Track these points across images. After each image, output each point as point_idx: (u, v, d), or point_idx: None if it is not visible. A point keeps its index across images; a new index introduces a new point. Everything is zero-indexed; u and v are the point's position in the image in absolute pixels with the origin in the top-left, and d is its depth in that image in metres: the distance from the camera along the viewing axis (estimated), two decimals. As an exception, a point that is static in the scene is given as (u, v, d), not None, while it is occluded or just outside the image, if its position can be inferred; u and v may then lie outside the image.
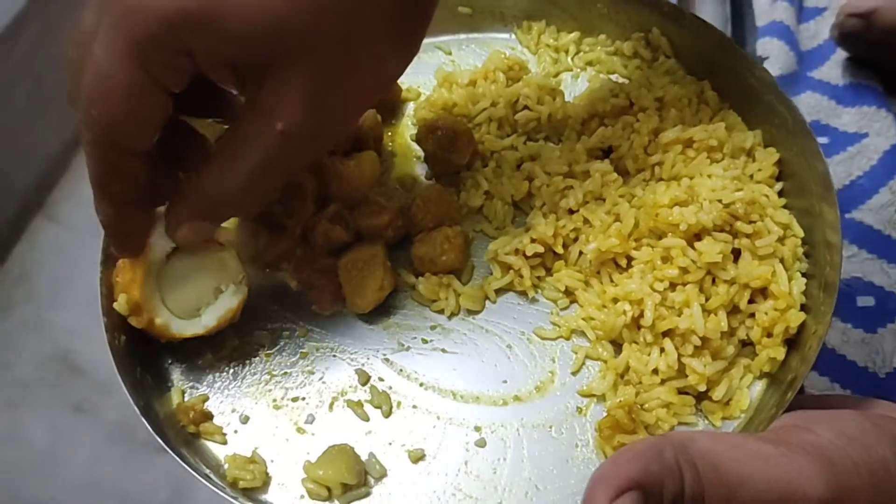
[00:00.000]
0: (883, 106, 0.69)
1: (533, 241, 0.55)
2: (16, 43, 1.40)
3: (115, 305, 0.50)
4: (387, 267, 0.55)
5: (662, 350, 0.51)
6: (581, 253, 0.55)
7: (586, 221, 0.55)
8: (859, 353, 0.59)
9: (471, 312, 0.55)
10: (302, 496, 0.49)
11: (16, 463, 1.13)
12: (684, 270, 0.51)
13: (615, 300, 0.53)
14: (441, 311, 0.55)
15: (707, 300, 0.51)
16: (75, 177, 1.51)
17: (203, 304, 0.52)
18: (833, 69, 0.73)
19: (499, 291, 0.56)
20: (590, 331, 0.53)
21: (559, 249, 0.55)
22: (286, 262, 0.58)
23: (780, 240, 0.52)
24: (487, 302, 0.56)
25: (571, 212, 0.56)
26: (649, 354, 0.51)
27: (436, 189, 0.58)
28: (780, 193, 0.56)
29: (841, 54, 0.74)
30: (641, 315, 0.51)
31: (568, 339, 0.54)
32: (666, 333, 0.51)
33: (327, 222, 0.56)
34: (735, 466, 0.39)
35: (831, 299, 0.49)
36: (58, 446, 1.18)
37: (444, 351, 0.54)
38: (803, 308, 0.51)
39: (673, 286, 0.52)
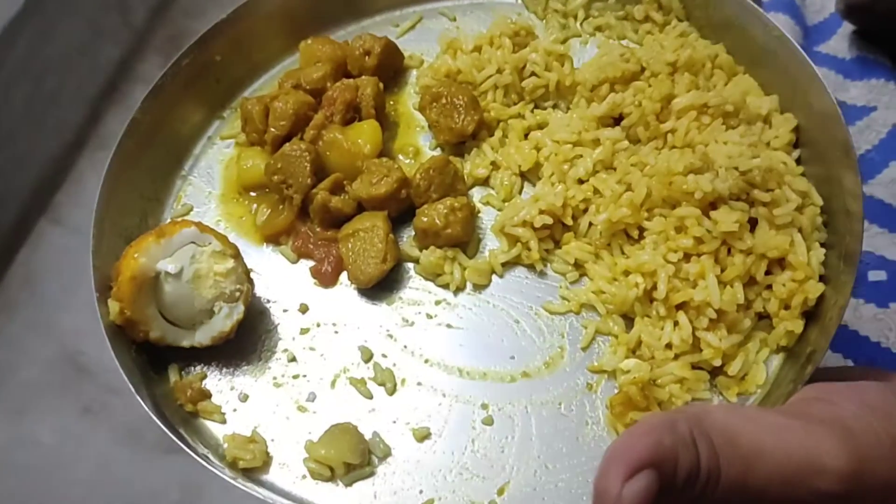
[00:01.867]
0: (891, 79, 0.67)
1: (542, 212, 0.53)
2: (13, 45, 1.38)
3: (110, 311, 0.49)
4: (389, 239, 0.53)
5: (676, 324, 0.49)
6: (591, 224, 0.53)
7: (596, 191, 0.53)
8: (872, 328, 0.58)
9: (477, 287, 0.53)
10: (304, 476, 0.47)
11: (25, 465, 1.13)
12: (699, 241, 0.49)
13: (626, 272, 0.51)
14: (446, 286, 0.53)
15: (722, 271, 0.49)
16: (78, 179, 1.49)
17: (197, 321, 0.50)
18: (840, 43, 0.71)
19: (506, 265, 0.54)
20: (600, 305, 0.51)
21: (568, 221, 0.53)
22: (286, 235, 0.56)
23: (799, 209, 0.50)
24: (494, 276, 0.54)
25: (581, 182, 0.54)
26: (662, 328, 0.49)
27: (440, 159, 0.56)
28: (798, 161, 0.53)
29: (847, 28, 0.71)
30: (654, 287, 0.49)
31: (578, 313, 0.52)
32: (680, 306, 0.49)
33: (326, 193, 0.55)
34: (752, 439, 0.37)
35: (852, 269, 0.47)
36: (66, 448, 1.17)
37: (449, 326, 0.52)
38: (822, 279, 0.49)
39: (687, 257, 0.50)
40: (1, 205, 1.34)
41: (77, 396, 1.22)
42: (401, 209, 0.55)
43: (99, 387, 1.24)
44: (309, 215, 0.56)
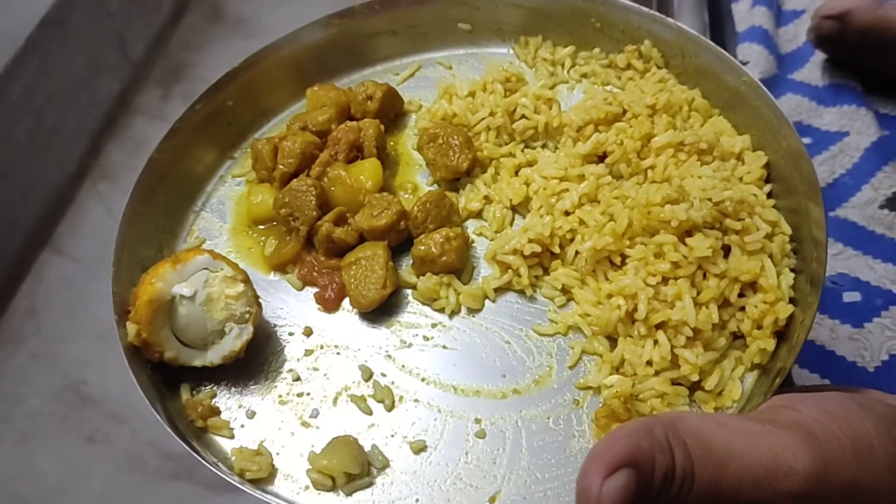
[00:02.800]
0: (863, 104, 0.71)
1: (531, 240, 0.56)
2: (15, 80, 1.42)
3: (128, 332, 0.52)
4: (389, 266, 0.57)
5: (656, 342, 0.52)
6: (577, 253, 0.57)
7: (582, 222, 0.57)
8: (848, 348, 0.61)
9: (471, 311, 0.57)
10: (307, 487, 0.50)
11: (29, 496, 1.14)
12: (676, 265, 0.53)
13: (610, 296, 0.54)
14: (442, 310, 0.57)
15: (698, 294, 0.52)
16: (80, 210, 1.53)
17: (209, 341, 0.54)
18: (813, 71, 0.75)
19: (498, 291, 0.58)
20: (586, 327, 0.55)
21: (556, 249, 0.57)
22: (292, 264, 0.60)
23: (769, 236, 0.54)
24: (487, 301, 0.57)
25: (567, 214, 0.58)
26: (643, 347, 0.52)
27: (437, 193, 0.60)
28: (769, 194, 0.57)
29: (820, 56, 0.76)
30: (635, 309, 0.53)
31: (565, 335, 0.55)
32: (659, 326, 0.52)
33: (330, 224, 0.58)
34: (723, 443, 0.40)
35: (817, 291, 0.50)
36: (70, 478, 1.18)
37: (444, 347, 0.55)
38: (791, 301, 0.52)
39: (665, 280, 0.53)
40: (4, 236, 1.37)
41: (80, 426, 1.23)
42: (400, 239, 0.59)
43: (102, 416, 1.26)
44: (314, 246, 0.60)
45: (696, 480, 0.39)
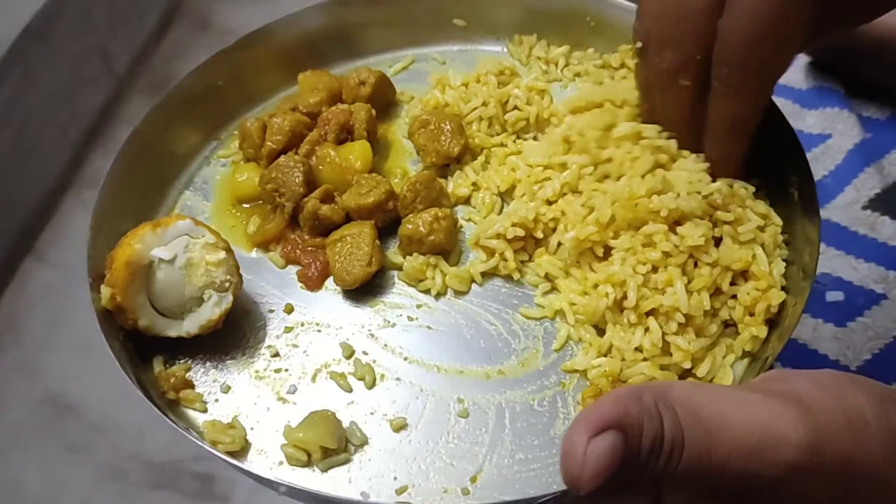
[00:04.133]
0: (845, 107, 0.72)
1: (514, 224, 0.55)
2: None
3: (102, 296, 0.51)
4: (376, 245, 0.55)
5: (647, 329, 0.51)
6: (560, 244, 0.56)
7: (564, 213, 0.56)
8: (831, 347, 0.60)
9: (457, 293, 0.56)
10: (281, 462, 0.48)
11: None
12: (666, 254, 0.52)
13: (596, 285, 0.53)
14: (427, 291, 0.56)
15: (689, 282, 0.52)
16: (62, 220, 1.52)
17: (186, 309, 0.52)
18: (796, 74, 0.76)
19: (485, 276, 0.56)
20: (571, 315, 0.54)
21: (539, 234, 0.56)
22: (275, 242, 0.59)
23: (760, 228, 0.54)
24: (474, 284, 0.56)
25: (550, 203, 0.57)
26: (633, 334, 0.51)
27: (426, 175, 0.59)
28: (759, 188, 0.57)
29: (803, 59, 0.76)
30: (624, 297, 0.52)
31: (552, 319, 0.54)
32: (650, 313, 0.51)
33: (317, 201, 0.57)
34: (715, 412, 0.39)
35: (809, 280, 0.50)
36: (50, 489, 1.16)
37: (429, 328, 0.54)
38: (783, 289, 0.51)
39: (655, 269, 0.52)
40: (-14, 246, 1.34)
41: (61, 437, 1.21)
42: (387, 220, 0.58)
43: (83, 427, 1.24)
44: (298, 225, 0.59)
45: (685, 449, 0.38)
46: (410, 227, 0.56)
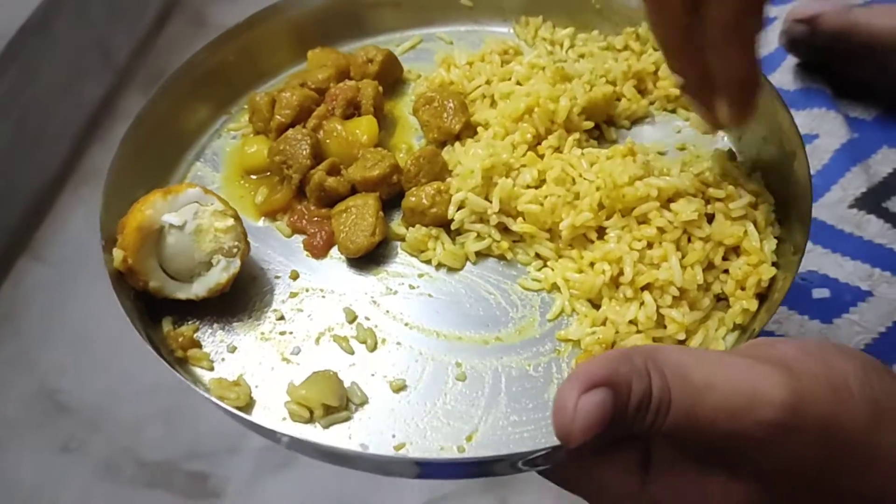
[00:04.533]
0: (832, 108, 0.73)
1: (496, 213, 0.57)
2: None
3: (114, 258, 0.53)
4: (379, 216, 0.57)
5: (642, 303, 0.53)
6: (550, 230, 0.57)
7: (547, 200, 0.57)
8: None
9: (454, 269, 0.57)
10: (284, 418, 0.50)
11: (4, 503, 1.13)
12: (661, 230, 0.54)
13: (592, 263, 0.55)
14: (429, 262, 0.57)
15: (683, 257, 0.53)
16: (59, 216, 1.52)
17: (195, 273, 0.54)
18: (784, 75, 0.77)
19: (479, 254, 0.58)
20: (566, 290, 0.55)
21: (518, 226, 0.57)
22: (282, 212, 0.60)
23: (753, 205, 0.55)
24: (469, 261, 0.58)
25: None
26: (629, 308, 0.53)
27: (430, 149, 0.60)
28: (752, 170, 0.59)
29: (791, 60, 0.77)
30: (621, 273, 0.53)
31: (549, 291, 0.56)
32: (645, 288, 0.53)
33: (323, 173, 0.59)
34: (701, 373, 0.40)
35: (800, 256, 0.51)
36: (45, 486, 1.17)
37: (430, 296, 0.56)
38: (774, 265, 0.53)
39: (650, 245, 0.54)
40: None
41: (56, 433, 1.22)
42: (391, 193, 0.60)
43: (78, 423, 1.25)
44: (305, 196, 0.60)
45: (671, 408, 0.40)
46: (413, 199, 0.58)
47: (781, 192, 0.56)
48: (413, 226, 0.58)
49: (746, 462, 0.41)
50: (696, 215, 0.53)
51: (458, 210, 0.57)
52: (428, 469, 0.48)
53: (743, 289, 0.53)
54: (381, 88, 0.65)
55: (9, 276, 1.45)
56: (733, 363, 0.41)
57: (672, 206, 0.54)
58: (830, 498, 0.41)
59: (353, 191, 0.60)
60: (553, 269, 0.56)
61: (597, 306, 0.55)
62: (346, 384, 0.51)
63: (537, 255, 0.57)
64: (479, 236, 0.58)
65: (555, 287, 0.56)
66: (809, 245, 0.61)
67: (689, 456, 0.42)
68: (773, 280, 0.52)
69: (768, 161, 0.59)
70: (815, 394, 0.40)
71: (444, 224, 0.58)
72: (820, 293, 0.65)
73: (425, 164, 0.59)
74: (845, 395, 0.41)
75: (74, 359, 1.29)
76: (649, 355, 0.41)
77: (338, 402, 0.49)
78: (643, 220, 0.55)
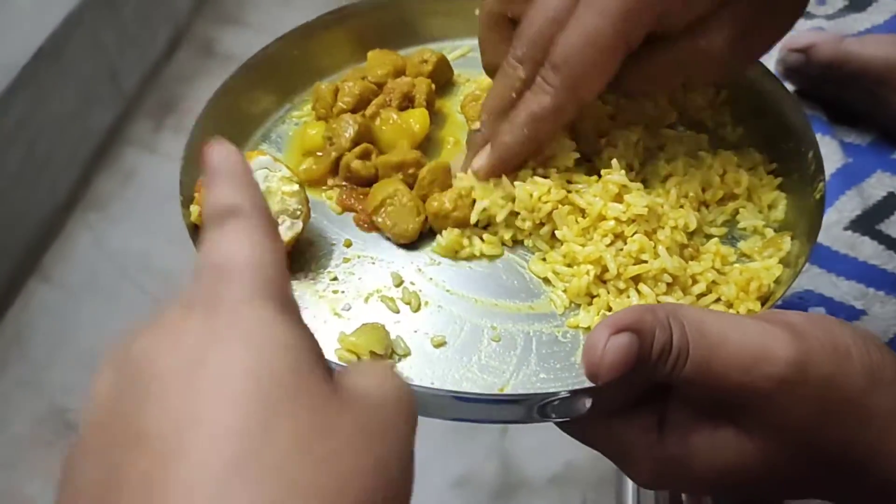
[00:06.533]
0: (828, 133, 0.78)
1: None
2: (8, 111, 1.46)
3: (192, 213, 0.59)
4: (413, 196, 0.62)
5: (639, 293, 0.56)
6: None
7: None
8: None
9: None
10: (335, 364, 0.55)
11: None
12: (622, 222, 0.57)
13: (570, 265, 0.58)
14: (469, 258, 0.62)
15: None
16: (68, 239, 1.57)
17: None
18: None
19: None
20: (557, 282, 0.59)
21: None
22: (320, 183, 0.67)
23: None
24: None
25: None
26: (628, 297, 0.56)
27: (444, 163, 0.64)
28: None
29: (788, 87, 0.82)
30: (605, 270, 0.57)
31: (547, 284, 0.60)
32: (635, 280, 0.56)
33: (353, 155, 0.65)
34: (717, 330, 0.45)
35: (811, 244, 0.56)
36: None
37: (470, 268, 0.61)
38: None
39: (622, 239, 0.57)
40: (-7, 264, 1.35)
41: (65, 452, 1.26)
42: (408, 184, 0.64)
43: None
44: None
45: (689, 358, 0.45)
46: (436, 203, 0.62)
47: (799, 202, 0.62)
48: (440, 231, 0.62)
49: (754, 415, 0.46)
50: (645, 211, 0.56)
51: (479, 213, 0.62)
52: (459, 404, 0.52)
53: (745, 293, 0.56)
54: (433, 86, 0.72)
55: (18, 297, 1.49)
56: (746, 323, 0.46)
57: (626, 197, 0.57)
58: (828, 451, 0.46)
59: (376, 178, 0.65)
60: (546, 261, 0.60)
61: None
62: (392, 337, 0.56)
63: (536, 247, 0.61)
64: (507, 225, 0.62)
65: (547, 281, 0.60)
66: (807, 265, 0.65)
67: (703, 413, 0.47)
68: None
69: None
70: (820, 355, 0.45)
71: (467, 225, 0.62)
72: (816, 311, 0.69)
73: (439, 175, 0.63)
74: (845, 360, 0.45)
75: (83, 379, 1.33)
76: (672, 310, 0.46)
77: (384, 351, 0.55)
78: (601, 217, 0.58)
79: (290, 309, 0.34)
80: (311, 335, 0.35)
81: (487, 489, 1.23)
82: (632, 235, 0.57)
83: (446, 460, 1.19)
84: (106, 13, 1.69)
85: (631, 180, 0.59)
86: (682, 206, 0.60)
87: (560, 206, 0.59)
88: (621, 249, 0.57)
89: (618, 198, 0.58)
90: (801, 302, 0.69)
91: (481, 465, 1.22)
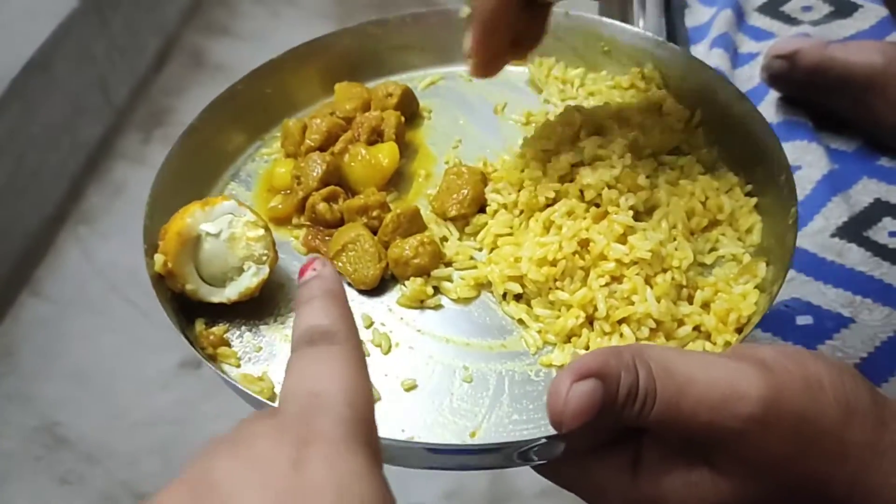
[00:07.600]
0: (814, 140, 0.77)
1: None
2: None
3: (155, 261, 0.58)
4: (375, 241, 0.61)
5: (621, 335, 0.55)
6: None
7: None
8: None
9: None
10: (303, 412, 0.54)
11: None
12: (623, 264, 0.56)
13: (560, 308, 0.57)
14: (434, 307, 0.60)
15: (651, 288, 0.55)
16: (58, 253, 1.56)
17: (228, 278, 0.59)
18: (767, 109, 0.81)
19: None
20: (534, 325, 0.58)
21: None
22: (286, 222, 0.66)
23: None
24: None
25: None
26: (610, 341, 0.55)
27: (413, 209, 0.63)
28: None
29: (773, 94, 0.82)
30: (595, 310, 0.55)
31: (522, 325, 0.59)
32: (621, 322, 0.55)
33: (319, 196, 0.64)
34: (685, 369, 0.44)
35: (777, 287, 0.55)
36: None
37: (441, 306, 0.60)
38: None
39: (618, 280, 0.56)
40: (-19, 277, 1.34)
41: (54, 466, 1.25)
42: (369, 227, 0.63)
43: (76, 457, 1.27)
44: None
45: (657, 399, 0.43)
46: (397, 250, 0.61)
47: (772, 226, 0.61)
48: (401, 279, 0.61)
49: (726, 454, 0.44)
50: (648, 255, 0.55)
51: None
52: (433, 456, 0.51)
53: (724, 324, 0.55)
54: (402, 118, 0.71)
55: (8, 311, 1.48)
56: (714, 361, 0.45)
57: (629, 239, 0.56)
58: (807, 487, 0.44)
59: (341, 222, 0.64)
60: (516, 305, 0.59)
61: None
62: (362, 383, 0.55)
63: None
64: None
65: (521, 322, 0.58)
66: (793, 273, 0.64)
67: (675, 453, 0.46)
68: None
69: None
70: (792, 390, 0.43)
71: (426, 274, 0.61)
72: (803, 320, 0.68)
73: (404, 222, 0.62)
74: (819, 393, 0.44)
75: (73, 393, 1.31)
76: (637, 351, 0.45)
77: (353, 398, 0.54)
78: (602, 256, 0.57)
79: (378, 458, 0.33)
80: (389, 488, 0.34)
81: (478, 502, 1.22)
82: (632, 276, 0.55)
83: (437, 473, 1.17)
84: (95, 25, 1.68)
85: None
86: (674, 239, 0.59)
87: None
88: (615, 292, 0.56)
89: (622, 238, 0.57)
90: (787, 310, 0.68)
91: (472, 477, 1.21)
